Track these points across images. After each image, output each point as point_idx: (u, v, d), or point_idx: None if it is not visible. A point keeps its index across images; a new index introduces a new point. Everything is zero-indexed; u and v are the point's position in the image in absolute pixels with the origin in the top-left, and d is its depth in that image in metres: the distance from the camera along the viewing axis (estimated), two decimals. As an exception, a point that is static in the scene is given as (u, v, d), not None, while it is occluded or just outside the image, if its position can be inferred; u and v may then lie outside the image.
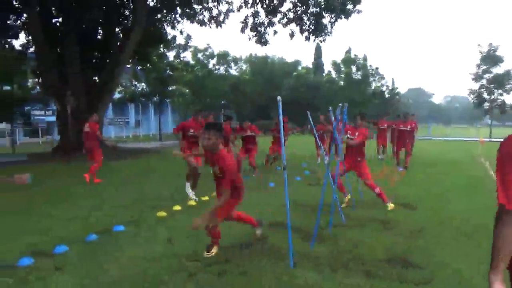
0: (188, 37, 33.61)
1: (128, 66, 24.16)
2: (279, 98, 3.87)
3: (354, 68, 44.81)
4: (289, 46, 66.30)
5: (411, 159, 12.00)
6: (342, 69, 45.47)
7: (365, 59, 46.23)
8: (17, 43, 57.16)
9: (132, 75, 32.76)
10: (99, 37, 19.03)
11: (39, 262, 4.09)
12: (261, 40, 17.89)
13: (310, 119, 6.96)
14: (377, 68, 44.85)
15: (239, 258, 4.16)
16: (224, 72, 42.79)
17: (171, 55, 33.59)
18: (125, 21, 20.09)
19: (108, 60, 18.11)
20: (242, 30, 18.10)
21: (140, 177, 10.87)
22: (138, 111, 53.72)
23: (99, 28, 18.76)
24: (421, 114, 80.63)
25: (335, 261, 4.10)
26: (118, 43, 18.01)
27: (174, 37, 32.81)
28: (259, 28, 17.90)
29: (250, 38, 18.10)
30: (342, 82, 45.90)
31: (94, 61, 18.83)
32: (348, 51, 47.87)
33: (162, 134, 37.29)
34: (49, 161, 15.00)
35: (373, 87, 45.55)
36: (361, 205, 6.66)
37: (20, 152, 21.35)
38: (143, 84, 34.66)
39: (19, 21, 18.51)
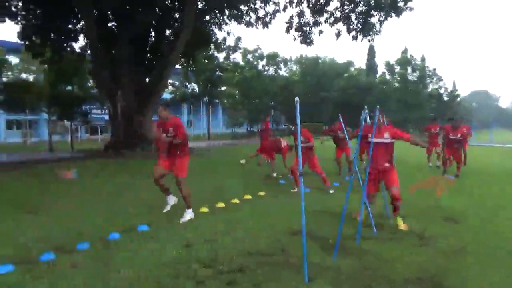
0: (238, 38, 34.11)
1: (179, 67, 24.85)
2: (296, 99, 3.62)
3: (409, 69, 42.74)
4: (341, 47, 64.87)
5: (465, 167, 11.09)
6: (396, 70, 43.54)
7: (422, 59, 43.96)
8: (76, 46, 61.09)
9: (183, 76, 33.78)
10: (150, 39, 19.72)
11: (59, 259, 4.17)
12: (306, 40, 17.52)
13: (342, 122, 6.57)
14: (434, 69, 42.44)
15: (254, 268, 3.95)
16: (274, 73, 42.70)
17: (221, 56, 34.26)
18: (176, 24, 20.64)
19: (157, 62, 18.72)
20: (287, 31, 17.86)
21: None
22: (190, 111, 55.44)
23: (151, 30, 19.44)
24: (484, 118, 75.11)
25: (357, 278, 3.76)
26: (168, 45, 18.54)
27: (225, 39, 33.48)
28: (304, 28, 17.54)
29: (295, 39, 17.84)
30: (396, 84, 43.98)
31: (146, 62, 19.51)
32: (404, 51, 45.78)
33: (211, 134, 38.13)
34: (99, 157, 15.79)
35: (429, 89, 43.13)
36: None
37: (78, 148, 22.81)
38: (194, 84, 35.64)
39: (79, 25, 19.67)
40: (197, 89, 34.67)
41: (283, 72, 46.05)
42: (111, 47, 18.11)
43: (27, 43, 20.05)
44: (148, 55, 19.94)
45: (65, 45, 20.50)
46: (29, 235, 5.08)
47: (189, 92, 34.68)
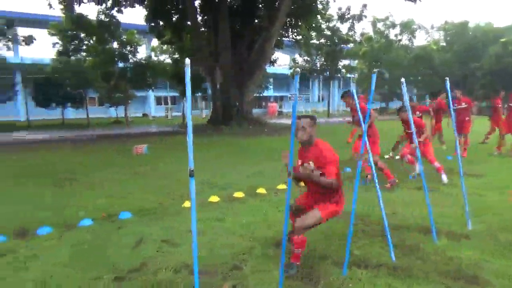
0: (364, 6, 31.00)
1: (290, 40, 23.82)
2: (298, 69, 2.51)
3: None
4: (503, 8, 53.25)
5: None
6: None
7: None
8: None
9: (304, 50, 32.53)
10: (251, 13, 19.17)
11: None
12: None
13: (405, 93, 4.47)
14: None
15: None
16: (408, 43, 37.68)
17: (345, 27, 31.75)
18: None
19: (259, 36, 18.12)
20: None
21: (247, 156, 10.38)
22: (319, 86, 54.12)
23: (253, 4, 18.84)
24: None
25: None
26: (269, 18, 17.72)
27: (349, 8, 30.89)
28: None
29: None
30: None
31: (247, 37, 19.12)
32: None
33: (335, 111, 36.30)
34: (196, 132, 16.25)
35: None
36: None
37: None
38: (315, 58, 34.09)
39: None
40: (316, 63, 33.10)
41: (422, 41, 40.37)
42: (213, 23, 18.21)
43: (152, 24, 21.95)
44: (249, 29, 19.47)
45: (182, 24, 21.65)
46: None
47: (308, 66, 33.28)
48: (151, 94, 46.01)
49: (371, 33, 37.00)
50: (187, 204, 5.38)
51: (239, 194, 5.86)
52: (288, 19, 19.07)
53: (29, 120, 24.70)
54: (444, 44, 40.26)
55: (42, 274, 3.26)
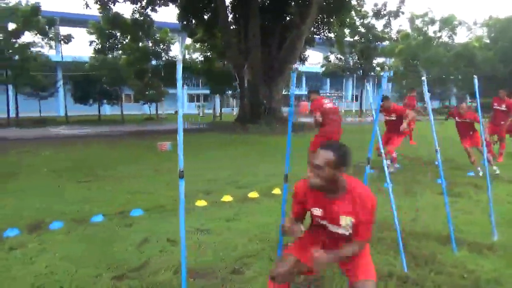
0: (401, 1, 29.96)
1: (322, 37, 23.39)
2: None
3: None
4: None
5: None
6: None
7: None
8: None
9: (338, 47, 31.89)
10: (282, 10, 18.96)
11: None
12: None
13: (426, 93, 4.18)
14: None
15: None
16: (448, 40, 35.97)
17: (380, 24, 30.90)
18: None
19: (289, 33, 17.90)
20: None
21: (273, 155, 10.26)
22: (353, 84, 52.94)
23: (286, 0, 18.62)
24: None
25: None
26: (300, 15, 17.46)
27: (385, 4, 30.03)
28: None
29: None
30: None
31: (277, 34, 18.93)
32: None
33: (367, 110, 35.34)
34: (222, 130, 16.33)
35: None
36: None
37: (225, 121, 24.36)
38: (349, 56, 33.35)
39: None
40: (350, 61, 32.34)
41: (464, 38, 38.46)
42: (244, 21, 18.17)
43: (184, 23, 22.21)
44: (280, 27, 19.26)
45: (213, 22, 21.78)
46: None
47: (340, 64, 32.63)
48: (184, 91, 46.86)
49: (409, 30, 35.68)
50: (200, 203, 5.35)
51: (253, 194, 5.75)
52: (320, 15, 18.73)
53: (67, 115, 25.75)
54: (488, 41, 38.26)
55: (46, 269, 3.30)
